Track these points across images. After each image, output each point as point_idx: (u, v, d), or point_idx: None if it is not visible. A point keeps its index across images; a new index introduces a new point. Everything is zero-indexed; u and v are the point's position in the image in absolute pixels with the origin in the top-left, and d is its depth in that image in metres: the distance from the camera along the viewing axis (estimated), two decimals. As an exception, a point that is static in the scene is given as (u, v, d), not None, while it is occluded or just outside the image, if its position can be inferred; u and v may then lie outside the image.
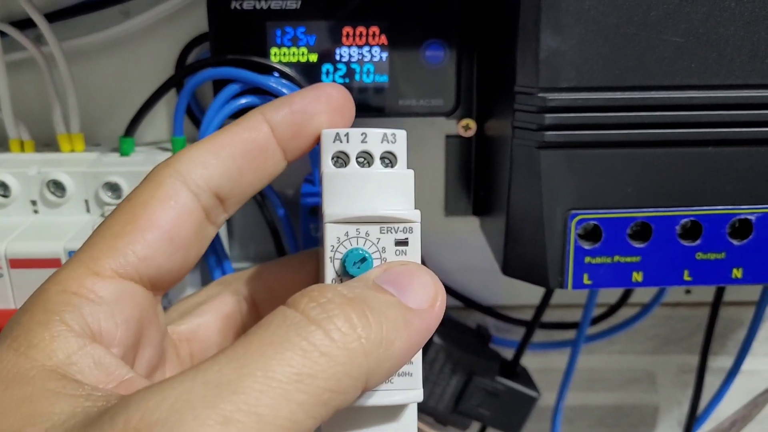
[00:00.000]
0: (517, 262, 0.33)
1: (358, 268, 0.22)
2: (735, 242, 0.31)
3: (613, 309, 0.44)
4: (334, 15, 0.35)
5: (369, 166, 0.23)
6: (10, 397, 0.18)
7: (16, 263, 0.32)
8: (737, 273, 0.32)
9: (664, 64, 0.29)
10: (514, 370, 0.41)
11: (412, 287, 0.21)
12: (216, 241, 0.36)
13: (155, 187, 0.22)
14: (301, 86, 0.34)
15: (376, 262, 0.23)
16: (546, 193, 0.31)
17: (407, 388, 0.23)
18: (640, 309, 0.44)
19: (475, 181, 0.40)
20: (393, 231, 0.23)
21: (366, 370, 0.19)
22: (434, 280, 0.22)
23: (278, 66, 0.35)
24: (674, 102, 0.30)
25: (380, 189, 0.23)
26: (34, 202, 0.35)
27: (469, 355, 0.39)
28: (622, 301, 0.43)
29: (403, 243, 0.23)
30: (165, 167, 0.22)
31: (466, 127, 0.39)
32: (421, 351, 0.23)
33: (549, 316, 0.44)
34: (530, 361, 0.43)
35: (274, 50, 0.35)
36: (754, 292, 0.42)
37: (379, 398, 0.22)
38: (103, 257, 0.21)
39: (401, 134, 0.24)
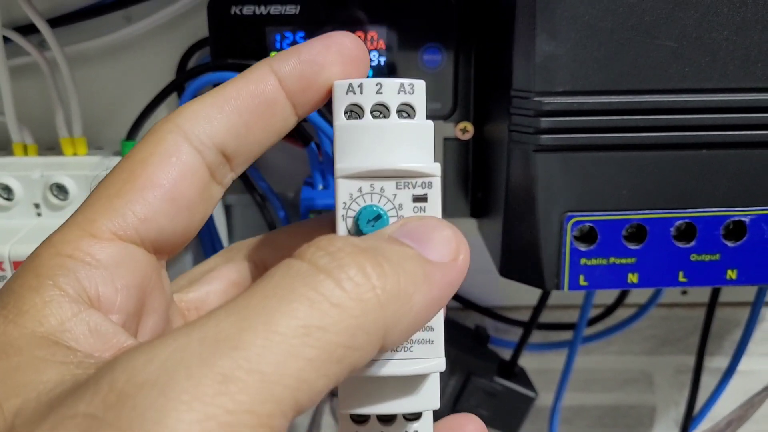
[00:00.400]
0: (513, 263, 0.33)
1: (373, 226, 0.21)
2: (729, 244, 0.31)
3: (609, 310, 0.44)
4: (333, 20, 0.35)
5: (385, 118, 0.21)
6: None
7: (19, 266, 0.32)
8: (732, 274, 0.32)
9: (658, 68, 0.30)
10: (512, 370, 0.41)
11: (432, 240, 0.20)
12: (216, 241, 0.36)
13: (155, 143, 0.20)
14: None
15: (392, 221, 0.21)
16: (542, 196, 0.31)
17: (428, 357, 0.21)
18: (637, 310, 0.44)
19: (472, 183, 0.41)
20: (410, 186, 0.21)
21: (383, 324, 0.17)
22: (456, 234, 0.20)
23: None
24: (668, 105, 0.30)
25: (396, 141, 0.21)
26: (37, 205, 0.35)
27: (467, 356, 0.39)
28: (619, 301, 0.44)
29: (421, 199, 0.21)
30: (166, 122, 0.21)
31: (464, 130, 0.39)
32: (442, 316, 0.21)
33: (546, 316, 0.44)
34: (528, 361, 0.44)
35: (273, 55, 0.36)
36: (749, 292, 0.42)
37: (398, 367, 0.21)
38: (100, 218, 0.19)
39: (420, 84, 0.22)
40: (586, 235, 0.32)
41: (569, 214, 0.31)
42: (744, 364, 0.44)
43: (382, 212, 0.21)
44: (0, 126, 0.38)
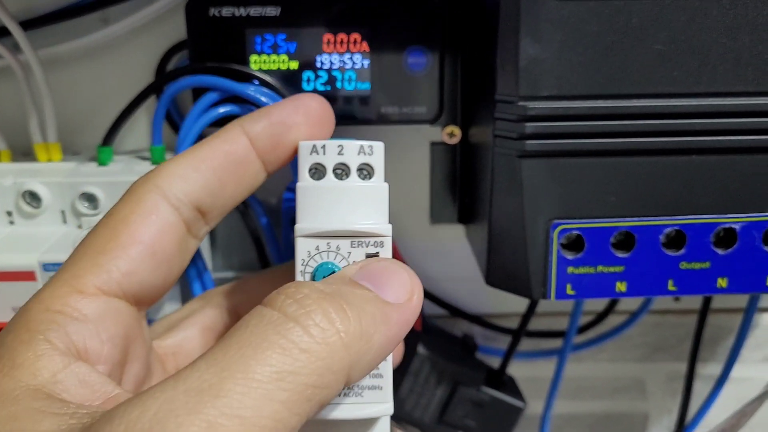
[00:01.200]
0: (499, 272, 0.32)
1: None
2: (719, 251, 0.31)
3: (600, 317, 0.43)
4: (315, 22, 0.34)
5: (346, 177, 0.23)
6: None
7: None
8: (722, 282, 0.31)
9: (646, 71, 0.29)
10: (500, 379, 0.40)
11: (389, 282, 0.22)
12: (195, 252, 0.35)
13: (135, 202, 0.22)
14: (281, 94, 0.34)
15: None
16: (528, 203, 0.30)
17: (378, 401, 0.23)
18: (628, 317, 0.44)
19: (460, 188, 0.40)
20: (364, 245, 0.23)
21: (348, 363, 0.19)
22: (410, 275, 0.22)
23: (258, 74, 0.34)
24: (657, 110, 0.29)
25: (354, 202, 0.23)
26: (9, 213, 0.34)
27: (454, 365, 0.38)
28: (610, 309, 0.43)
29: (374, 256, 0.23)
30: (144, 182, 0.22)
31: (451, 134, 0.38)
32: (391, 364, 0.23)
33: (536, 324, 0.44)
34: (518, 369, 0.43)
35: (254, 58, 0.35)
36: (742, 299, 0.42)
37: (350, 412, 0.23)
38: (86, 274, 0.21)
39: (378, 146, 0.24)
40: (573, 243, 0.31)
41: (556, 221, 0.30)
42: (737, 371, 0.43)
43: (336, 269, 0.23)
44: (-28, 131, 0.37)
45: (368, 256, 0.23)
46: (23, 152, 0.38)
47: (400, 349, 0.28)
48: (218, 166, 0.23)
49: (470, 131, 0.38)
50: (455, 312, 0.44)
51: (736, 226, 0.30)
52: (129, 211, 0.22)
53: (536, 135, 0.29)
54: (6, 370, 0.19)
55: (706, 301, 0.42)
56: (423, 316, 0.40)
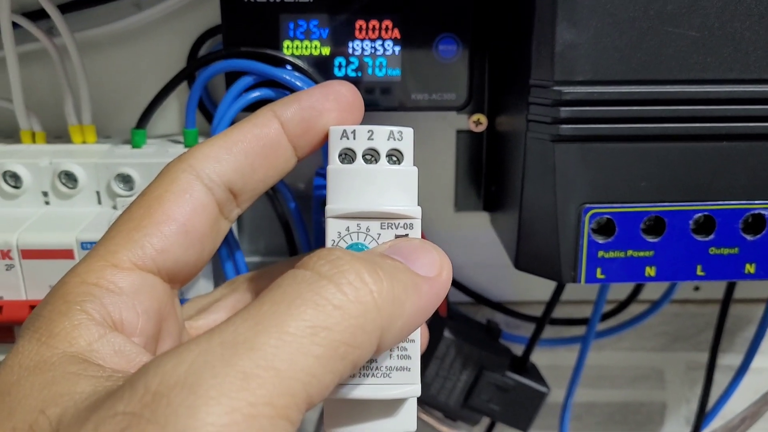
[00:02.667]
0: (530, 256, 0.33)
1: None
2: (748, 237, 0.31)
3: (622, 305, 0.44)
4: (348, 8, 0.35)
5: (375, 162, 0.24)
6: (32, 382, 0.18)
7: (27, 254, 0.32)
8: (750, 268, 0.32)
9: (680, 57, 0.29)
10: (523, 365, 0.41)
11: (419, 258, 0.22)
12: (228, 233, 0.35)
13: (170, 181, 0.22)
14: (313, 79, 0.34)
15: None
16: (560, 187, 0.31)
17: (405, 383, 0.23)
18: (650, 305, 0.44)
19: (485, 176, 0.40)
20: (393, 227, 0.23)
21: (380, 325, 0.19)
22: (439, 253, 0.23)
23: (291, 59, 0.35)
24: (689, 96, 0.30)
25: (383, 185, 0.23)
26: (45, 194, 0.35)
27: (479, 350, 0.39)
28: (632, 297, 0.43)
29: (403, 238, 0.23)
30: (179, 162, 0.23)
31: (477, 122, 0.39)
32: (419, 346, 0.23)
33: (558, 312, 0.44)
34: (539, 357, 0.43)
35: (287, 43, 0.35)
36: (763, 289, 0.42)
37: (378, 391, 0.23)
38: (121, 250, 0.21)
39: (408, 132, 0.24)
40: (604, 228, 0.31)
41: (587, 206, 0.31)
42: (757, 362, 0.43)
43: (366, 249, 0.23)
44: (7, 113, 0.37)
45: (397, 237, 0.23)
46: (57, 135, 0.38)
47: (425, 334, 0.28)
48: (250, 149, 0.23)
49: (498, 119, 0.38)
50: (479, 299, 0.44)
51: (765, 213, 0.31)
52: (163, 190, 0.22)
53: (570, 120, 0.30)
54: (44, 338, 0.19)
55: (729, 291, 0.42)
56: (448, 302, 0.40)
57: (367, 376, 0.23)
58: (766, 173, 0.30)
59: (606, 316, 0.44)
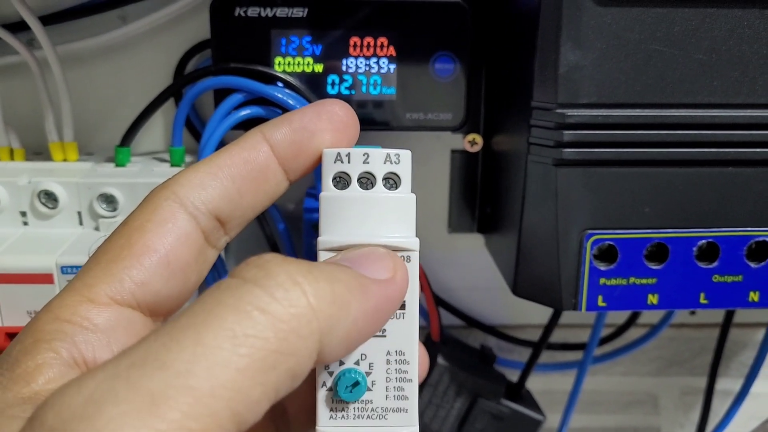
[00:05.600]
0: (529, 282, 0.32)
1: None
2: (752, 265, 0.31)
3: (620, 330, 0.43)
4: (342, 24, 0.34)
5: (371, 187, 0.22)
6: None
7: (4, 278, 0.30)
8: (754, 296, 0.31)
9: (686, 81, 0.29)
10: (519, 392, 0.40)
11: (368, 262, 0.21)
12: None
13: (152, 210, 0.21)
14: (306, 97, 0.33)
15: None
16: (561, 212, 0.30)
17: (402, 425, 0.22)
18: (648, 330, 0.43)
19: (480, 197, 0.40)
20: None
21: (317, 328, 0.18)
22: (392, 257, 0.21)
23: (282, 76, 0.34)
24: (695, 120, 0.29)
25: (379, 213, 0.22)
26: (24, 214, 0.33)
27: (474, 377, 0.38)
28: (630, 322, 0.43)
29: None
30: (162, 190, 0.22)
31: (473, 142, 0.38)
32: (417, 386, 0.22)
33: (553, 336, 0.43)
34: (533, 382, 0.42)
35: (278, 59, 0.34)
36: (762, 313, 0.42)
37: None
38: (97, 283, 0.20)
39: (405, 154, 0.23)
40: (606, 254, 0.31)
41: (589, 231, 0.30)
42: (756, 387, 0.43)
43: None
44: (-15, 129, 0.36)
45: None
46: (36, 151, 0.37)
47: (425, 363, 0.27)
48: (237, 174, 0.22)
49: (495, 139, 0.37)
50: (471, 322, 0.43)
51: (770, 240, 0.30)
52: (145, 219, 0.21)
53: (574, 143, 0.29)
54: (5, 382, 0.18)
55: (729, 315, 0.42)
56: (441, 327, 0.39)
57: (362, 417, 0.22)
58: (771, 200, 0.30)
59: (603, 341, 0.43)
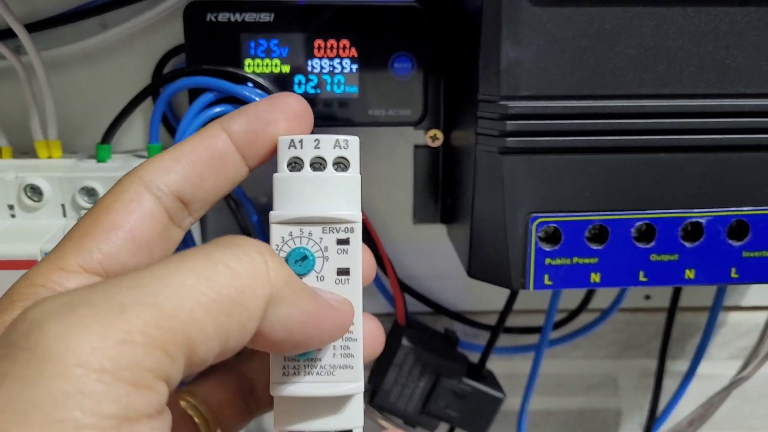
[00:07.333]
0: (481, 264, 0.34)
1: (300, 266, 0.24)
2: (687, 244, 0.32)
3: (573, 314, 0.45)
4: (306, 28, 0.36)
5: (323, 170, 0.24)
6: None
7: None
8: (690, 274, 0.33)
9: (618, 74, 0.31)
10: (480, 372, 0.42)
11: (324, 294, 0.24)
12: (191, 245, 0.36)
13: (119, 192, 0.23)
14: (274, 96, 0.36)
15: (318, 261, 0.24)
16: (508, 197, 0.32)
17: (348, 381, 0.24)
18: (600, 314, 0.45)
19: (442, 189, 0.42)
20: (335, 231, 0.24)
21: (269, 293, 0.20)
22: (348, 303, 0.24)
23: (252, 76, 0.36)
24: (627, 110, 0.31)
25: (327, 191, 0.24)
26: (11, 207, 0.35)
27: (436, 358, 0.40)
28: (582, 306, 0.45)
29: (344, 242, 0.24)
30: (129, 175, 0.24)
31: (434, 138, 0.40)
32: (361, 345, 0.25)
33: (513, 321, 0.45)
34: (496, 365, 0.45)
35: (248, 61, 0.36)
36: (709, 297, 0.44)
37: (321, 389, 0.24)
38: (68, 255, 0.22)
39: (353, 140, 0.25)
40: (551, 236, 0.32)
41: (534, 215, 0.32)
42: (705, 368, 0.45)
43: (308, 253, 0.24)
44: (-26, 129, 0.38)
45: (339, 241, 0.24)
46: (23, 151, 0.39)
47: (380, 337, 0.29)
48: (198, 160, 0.24)
49: (452, 135, 0.40)
50: (437, 309, 0.45)
51: (702, 221, 0.32)
52: (112, 200, 0.23)
53: (516, 132, 0.31)
54: None
55: (674, 299, 0.44)
56: (406, 312, 0.42)
57: (311, 374, 0.24)
58: (701, 183, 0.32)
59: (558, 325, 0.45)
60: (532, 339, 0.46)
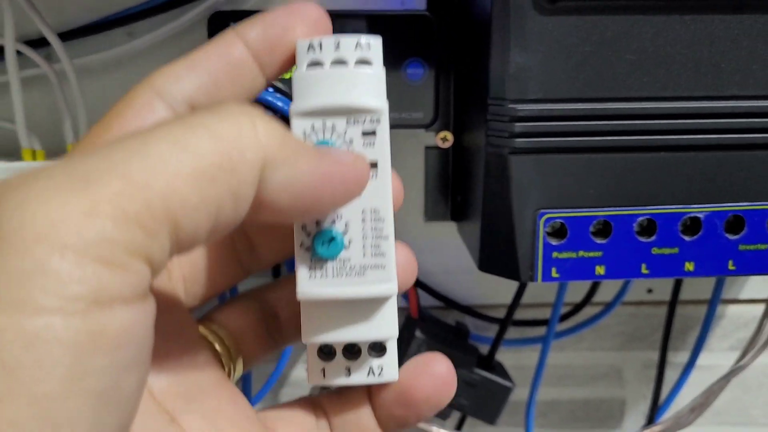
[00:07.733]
0: (491, 258, 0.35)
1: None
2: (686, 238, 0.34)
3: (578, 307, 0.47)
4: (324, 36, 0.38)
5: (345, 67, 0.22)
6: None
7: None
8: (689, 266, 0.34)
9: (620, 78, 0.32)
10: (490, 363, 0.44)
11: (331, 149, 0.21)
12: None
13: (130, 98, 0.22)
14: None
15: None
16: (516, 195, 0.33)
17: (380, 281, 0.22)
18: (604, 307, 0.47)
19: (452, 188, 0.44)
20: (360, 122, 0.22)
21: (262, 157, 0.18)
22: (356, 153, 0.22)
23: (273, 82, 0.38)
24: (629, 112, 0.33)
25: (349, 83, 0.22)
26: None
27: (448, 349, 0.42)
28: (588, 299, 0.47)
29: (370, 134, 0.22)
30: (141, 83, 0.22)
31: (444, 139, 0.42)
32: (393, 243, 0.23)
33: (522, 314, 0.47)
34: (506, 357, 0.46)
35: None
36: (709, 290, 0.45)
37: (352, 290, 0.22)
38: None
39: (376, 40, 0.23)
40: (558, 231, 0.34)
41: (542, 211, 0.33)
42: (705, 359, 0.47)
43: (331, 143, 0.22)
44: (10, 134, 0.40)
45: (365, 132, 0.22)
46: (56, 153, 0.41)
47: (413, 265, 0.26)
48: (213, 68, 0.22)
49: (463, 136, 0.41)
50: (448, 303, 0.47)
51: (701, 216, 0.34)
52: (123, 107, 0.22)
53: (524, 134, 0.33)
54: None
55: (675, 292, 0.46)
56: (419, 306, 0.43)
57: (340, 275, 0.22)
58: (700, 180, 0.34)
59: (564, 318, 0.47)
60: (540, 331, 0.47)
